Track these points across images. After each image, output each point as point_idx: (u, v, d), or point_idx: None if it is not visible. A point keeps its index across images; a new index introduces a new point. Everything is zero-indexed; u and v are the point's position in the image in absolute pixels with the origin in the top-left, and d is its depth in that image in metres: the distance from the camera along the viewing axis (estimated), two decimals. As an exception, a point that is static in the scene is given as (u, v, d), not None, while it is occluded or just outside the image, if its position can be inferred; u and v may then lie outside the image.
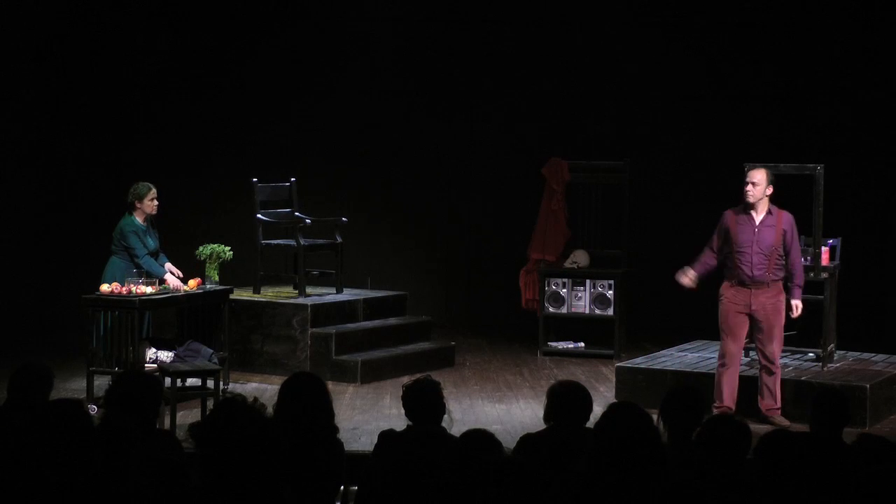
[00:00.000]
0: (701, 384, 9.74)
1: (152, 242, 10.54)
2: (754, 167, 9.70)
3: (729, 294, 9.64)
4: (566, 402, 6.05)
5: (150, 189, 10.51)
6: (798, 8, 13.84)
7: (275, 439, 4.17)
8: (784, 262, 9.58)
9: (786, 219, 9.56)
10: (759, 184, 9.50)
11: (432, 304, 14.13)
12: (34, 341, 12.62)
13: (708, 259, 9.78)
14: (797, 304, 9.66)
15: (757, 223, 9.54)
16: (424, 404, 6.03)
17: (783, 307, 9.63)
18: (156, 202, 10.52)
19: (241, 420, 4.17)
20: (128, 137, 14.45)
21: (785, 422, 9.46)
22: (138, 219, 10.47)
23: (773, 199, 9.67)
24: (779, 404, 9.63)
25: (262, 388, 10.70)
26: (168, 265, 10.68)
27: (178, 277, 10.61)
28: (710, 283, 9.87)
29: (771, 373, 9.62)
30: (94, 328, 9.98)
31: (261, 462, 4.10)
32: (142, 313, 10.01)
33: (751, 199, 9.52)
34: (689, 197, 13.80)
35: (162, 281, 10.36)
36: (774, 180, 9.57)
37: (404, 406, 6.09)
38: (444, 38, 14.70)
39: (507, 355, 12.91)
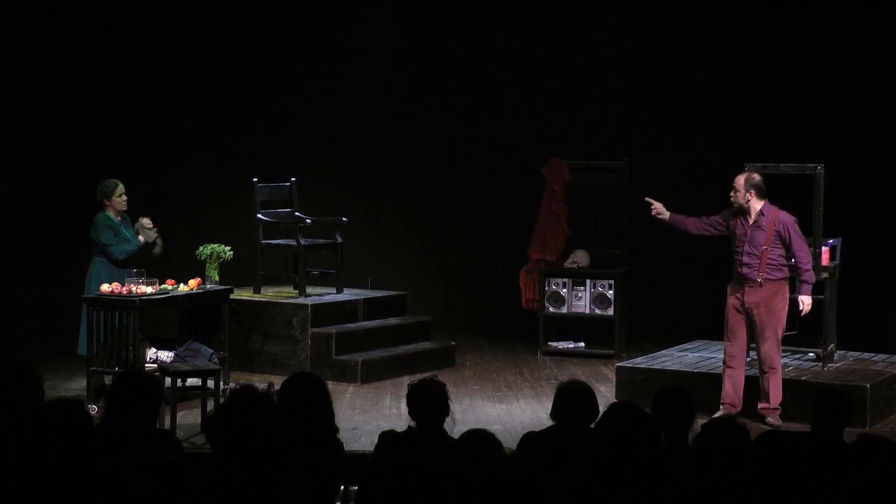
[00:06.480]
0: (702, 384, 9.81)
1: (128, 233, 10.49)
2: (753, 166, 9.80)
3: (729, 293, 9.82)
4: (574, 400, 6.05)
5: (117, 185, 10.47)
6: (798, 8, 13.83)
7: (283, 431, 4.18)
8: (784, 262, 9.67)
9: (779, 219, 9.62)
10: (738, 189, 9.71)
11: (432, 304, 14.12)
12: (34, 341, 12.61)
13: (691, 220, 10.00)
14: (802, 300, 9.70)
15: (750, 223, 9.68)
16: (428, 404, 6.02)
17: (779, 309, 9.65)
18: (125, 198, 10.47)
19: (254, 409, 4.16)
20: (128, 137, 14.44)
21: (777, 422, 9.51)
22: (111, 214, 10.45)
23: (774, 199, 9.70)
24: (773, 404, 9.64)
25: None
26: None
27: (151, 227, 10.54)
28: (711, 282, 9.87)
29: (763, 372, 9.69)
30: (95, 328, 9.98)
31: (270, 455, 4.10)
32: (141, 313, 10.00)
33: (734, 204, 9.75)
34: (690, 197, 13.75)
35: (157, 281, 10.29)
36: (758, 183, 9.67)
37: (408, 404, 6.09)
38: (444, 37, 14.69)
39: (507, 355, 12.90)
